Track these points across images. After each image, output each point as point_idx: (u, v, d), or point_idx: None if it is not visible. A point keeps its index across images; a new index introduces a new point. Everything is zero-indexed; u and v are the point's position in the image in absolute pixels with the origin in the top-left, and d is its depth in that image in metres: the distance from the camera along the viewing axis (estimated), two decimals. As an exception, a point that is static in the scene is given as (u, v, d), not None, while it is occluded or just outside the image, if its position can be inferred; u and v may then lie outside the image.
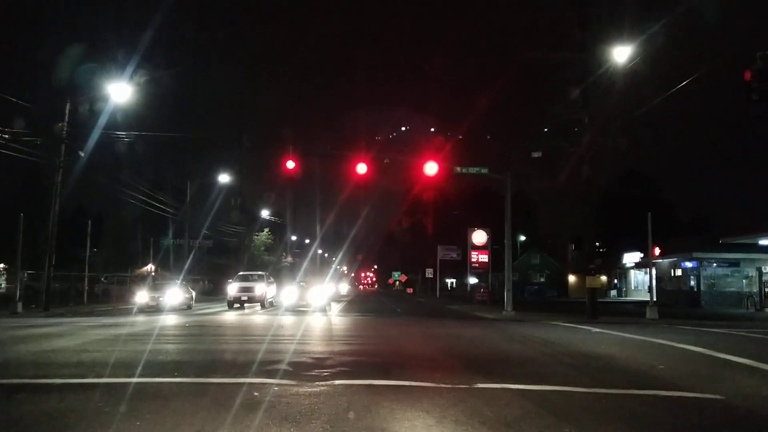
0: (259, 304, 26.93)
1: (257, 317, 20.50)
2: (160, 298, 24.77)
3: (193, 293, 29.30)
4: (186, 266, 35.40)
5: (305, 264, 56.25)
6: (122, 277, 38.59)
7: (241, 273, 30.92)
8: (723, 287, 35.34)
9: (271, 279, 31.58)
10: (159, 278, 32.36)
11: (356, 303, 36.97)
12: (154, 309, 23.85)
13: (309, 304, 25.42)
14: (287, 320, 18.41)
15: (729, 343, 12.58)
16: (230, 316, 20.93)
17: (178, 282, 28.17)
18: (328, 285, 34.70)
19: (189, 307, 26.44)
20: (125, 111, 23.59)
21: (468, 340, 13.27)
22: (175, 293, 25.82)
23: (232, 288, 26.96)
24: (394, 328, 16.58)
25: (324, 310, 24.03)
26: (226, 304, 27.00)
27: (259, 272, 31.80)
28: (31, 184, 36.44)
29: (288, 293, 27.64)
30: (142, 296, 24.77)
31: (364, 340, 12.85)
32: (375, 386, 6.68)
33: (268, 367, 7.86)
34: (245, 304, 26.74)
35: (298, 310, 23.97)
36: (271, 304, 28.63)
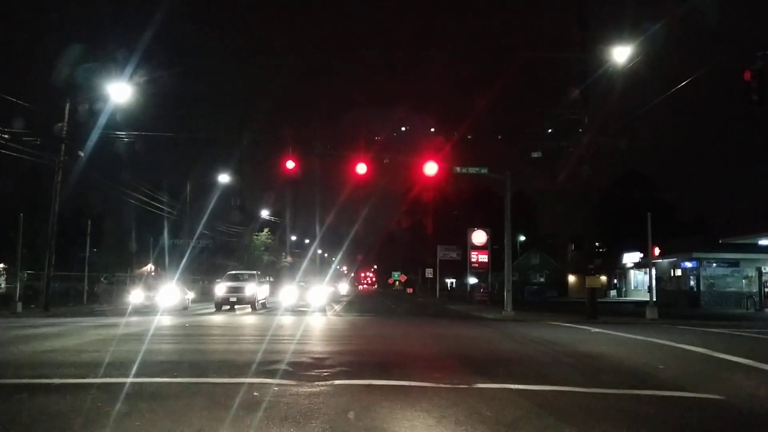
0: (249, 305, 25.11)
1: (255, 318, 20.43)
2: (155, 298, 24.05)
3: (190, 293, 28.38)
4: (181, 266, 34.77)
5: (304, 264, 56.28)
6: (122, 277, 38.59)
7: (230, 272, 28.85)
8: (723, 287, 35.34)
9: (264, 278, 29.73)
10: (155, 278, 31.04)
11: (356, 303, 36.97)
12: (148, 309, 23.26)
13: (308, 304, 25.41)
14: (286, 320, 18.41)
15: (729, 343, 12.58)
16: (227, 318, 20.76)
17: (174, 282, 27.21)
18: (328, 285, 34.61)
19: (185, 308, 25.74)
20: (125, 111, 23.58)
21: (468, 340, 13.26)
22: (170, 293, 25.01)
23: (220, 288, 25.19)
24: (393, 328, 16.58)
25: (323, 311, 24.01)
26: (213, 305, 25.53)
27: (250, 271, 29.77)
28: (31, 184, 36.39)
29: (287, 293, 27.59)
30: (136, 296, 24.14)
31: (364, 340, 12.85)
32: (375, 386, 6.68)
33: (267, 367, 7.86)
34: (235, 306, 24.99)
35: (297, 311, 23.95)
36: (264, 305, 27.02)
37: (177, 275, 30.36)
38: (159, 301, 23.91)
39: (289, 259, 68.08)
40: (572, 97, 21.86)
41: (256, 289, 25.41)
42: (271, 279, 29.97)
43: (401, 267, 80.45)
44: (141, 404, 5.63)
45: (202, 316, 21.44)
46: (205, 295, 40.62)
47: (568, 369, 8.59)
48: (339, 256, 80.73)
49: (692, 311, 29.26)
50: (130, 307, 23.50)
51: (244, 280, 26.57)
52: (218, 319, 19.97)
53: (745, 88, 12.79)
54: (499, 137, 25.00)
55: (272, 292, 31.56)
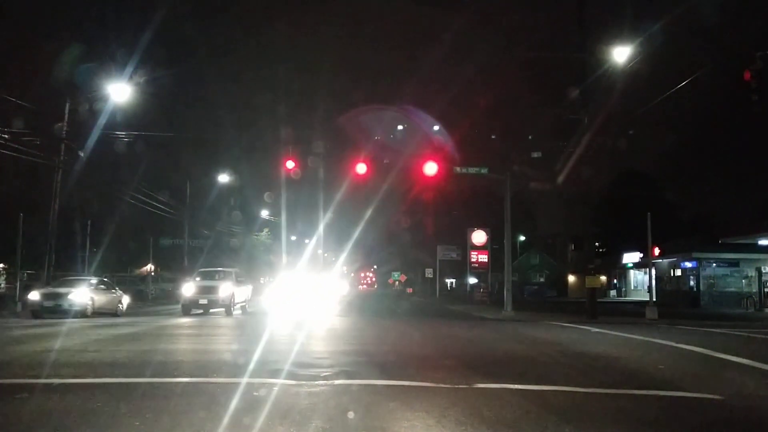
0: (223, 309, 21.27)
1: (242, 319, 19.91)
2: (64, 300, 18.84)
3: (124, 296, 22.41)
4: (95, 264, 31.26)
5: (305, 264, 56.15)
6: (122, 277, 38.59)
7: (201, 270, 24.77)
8: (722, 287, 35.37)
9: (243, 277, 25.12)
10: (70, 275, 25.31)
11: (356, 303, 36.98)
12: (51, 311, 18.58)
13: (307, 304, 25.30)
14: (284, 321, 18.40)
15: (728, 343, 12.59)
16: (199, 321, 18.07)
17: (94, 280, 21.51)
18: (328, 285, 34.54)
19: (115, 313, 20.65)
20: (125, 111, 23.62)
21: (468, 340, 13.27)
22: (80, 293, 19.36)
23: (188, 289, 21.25)
24: (393, 328, 16.57)
25: (322, 310, 23.95)
26: (180, 308, 21.44)
27: (227, 269, 25.30)
28: (31, 184, 36.41)
29: (287, 293, 27.39)
30: (34, 296, 19.41)
31: (364, 340, 12.84)
32: (375, 386, 6.68)
33: (267, 367, 7.86)
34: (209, 310, 21.19)
35: (295, 311, 23.79)
36: (244, 309, 23.16)
37: (86, 272, 25.35)
38: (67, 303, 18.79)
39: (289, 259, 68.02)
40: (572, 97, 21.89)
41: (232, 290, 21.58)
42: (242, 278, 25.89)
43: (401, 267, 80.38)
44: (141, 404, 5.62)
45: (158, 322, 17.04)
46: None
47: (569, 369, 8.59)
48: (339, 256, 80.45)
49: (692, 311, 29.28)
50: (27, 308, 19.82)
51: (218, 278, 22.46)
52: (180, 322, 17.27)
53: (745, 88, 12.82)
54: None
55: (260, 294, 29.53)
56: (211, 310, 21.34)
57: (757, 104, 12.87)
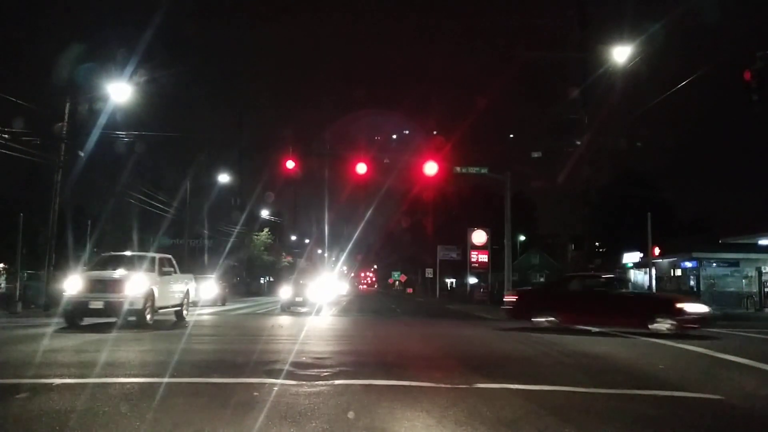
0: (134, 316, 13.57)
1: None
2: None
3: None
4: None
5: (303, 263, 56.22)
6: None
7: (103, 256, 17.01)
8: (723, 287, 35.31)
9: (170, 267, 16.16)
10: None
11: (356, 303, 36.97)
12: None
13: (307, 303, 25.18)
14: (282, 320, 18.39)
15: (729, 343, 12.59)
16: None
17: None
18: (328, 284, 34.34)
19: None
20: (125, 111, 23.61)
21: (467, 340, 13.27)
22: None
23: (74, 284, 13.78)
24: (393, 328, 16.58)
25: (322, 310, 23.86)
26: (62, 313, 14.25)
27: (145, 253, 16.92)
28: (31, 184, 36.40)
29: (285, 291, 26.95)
30: None
31: (364, 340, 12.86)
32: (375, 386, 6.68)
33: (267, 367, 7.86)
34: (117, 315, 13.37)
35: (293, 310, 23.67)
36: (180, 315, 16.35)
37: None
38: None
39: (288, 258, 68.13)
40: (572, 97, 21.93)
41: (148, 286, 14.09)
42: (169, 268, 16.53)
43: (401, 267, 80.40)
44: (141, 404, 5.63)
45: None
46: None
47: (569, 369, 8.60)
48: (339, 256, 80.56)
49: (692, 311, 29.20)
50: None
51: (128, 268, 14.61)
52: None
53: (746, 88, 12.82)
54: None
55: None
56: (115, 317, 13.48)
57: (758, 104, 12.87)
